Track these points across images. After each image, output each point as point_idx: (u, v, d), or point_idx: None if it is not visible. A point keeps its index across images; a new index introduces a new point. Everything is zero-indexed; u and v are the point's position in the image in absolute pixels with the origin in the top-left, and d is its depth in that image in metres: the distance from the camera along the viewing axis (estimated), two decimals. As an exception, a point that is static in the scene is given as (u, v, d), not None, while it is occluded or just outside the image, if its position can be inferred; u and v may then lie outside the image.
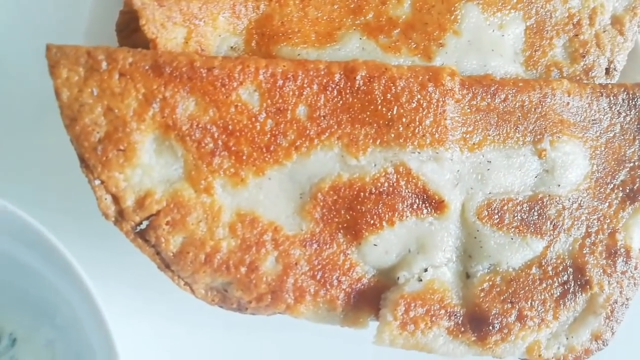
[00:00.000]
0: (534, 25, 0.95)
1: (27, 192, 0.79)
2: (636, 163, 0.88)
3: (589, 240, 0.83)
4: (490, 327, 0.78)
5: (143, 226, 0.73)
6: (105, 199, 0.71)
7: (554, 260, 0.81)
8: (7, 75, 0.92)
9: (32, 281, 0.77)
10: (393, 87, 0.78)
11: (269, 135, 0.75)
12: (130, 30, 0.92)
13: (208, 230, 0.73)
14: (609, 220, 0.85)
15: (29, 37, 0.92)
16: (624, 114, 0.89)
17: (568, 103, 0.87)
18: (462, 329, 0.78)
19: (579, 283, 0.81)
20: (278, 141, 0.75)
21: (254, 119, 0.74)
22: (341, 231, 0.78)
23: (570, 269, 0.81)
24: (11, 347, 0.78)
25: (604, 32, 0.99)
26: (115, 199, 0.71)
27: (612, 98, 0.89)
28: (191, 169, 0.73)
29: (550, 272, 0.81)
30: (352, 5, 0.89)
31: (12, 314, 0.78)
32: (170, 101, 0.71)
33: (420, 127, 0.79)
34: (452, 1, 0.91)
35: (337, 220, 0.78)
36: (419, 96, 0.79)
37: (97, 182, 0.70)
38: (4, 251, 0.76)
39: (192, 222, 0.73)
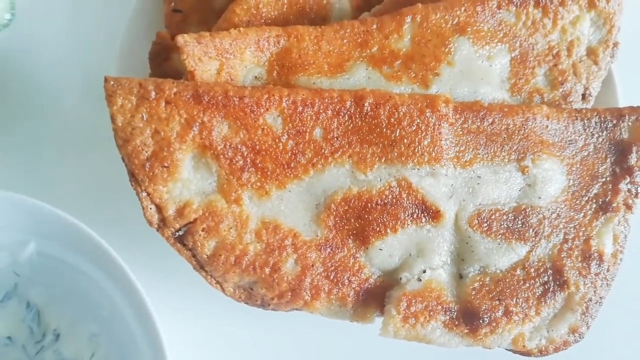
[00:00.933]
0: (518, 57, 1.08)
1: (78, 202, 0.90)
2: (608, 178, 1.01)
3: (567, 246, 0.95)
4: (481, 321, 0.90)
5: (181, 232, 0.84)
6: (150, 208, 0.82)
7: (536, 263, 0.93)
8: (62, 108, 1.04)
9: (76, 278, 0.84)
10: (396, 113, 0.91)
11: (290, 154, 0.87)
12: (161, 59, 1.04)
13: (237, 236, 0.85)
14: (584, 229, 0.97)
15: (77, 73, 1.04)
16: (596, 135, 1.02)
17: (547, 126, 0.99)
18: (457, 322, 0.90)
19: (557, 283, 0.93)
20: (297, 159, 0.87)
21: (277, 140, 0.87)
22: (351, 237, 0.89)
23: (550, 271, 0.93)
24: (55, 342, 0.84)
25: (580, 62, 1.12)
26: (159, 209, 0.83)
27: (586, 121, 1.02)
28: (223, 183, 0.85)
29: (533, 273, 0.93)
30: (359, 40, 1.01)
31: (56, 310, 0.85)
32: (208, 125, 0.83)
33: (419, 147, 0.91)
34: (446, 35, 1.04)
35: (347, 227, 0.89)
36: (418, 120, 0.91)
37: (144, 194, 0.81)
38: (56, 255, 0.84)
39: (224, 229, 0.84)
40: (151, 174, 0.81)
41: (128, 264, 0.82)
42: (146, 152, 0.81)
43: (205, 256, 0.84)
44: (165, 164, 0.82)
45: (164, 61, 1.08)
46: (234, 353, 1.02)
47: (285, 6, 1.08)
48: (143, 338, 0.80)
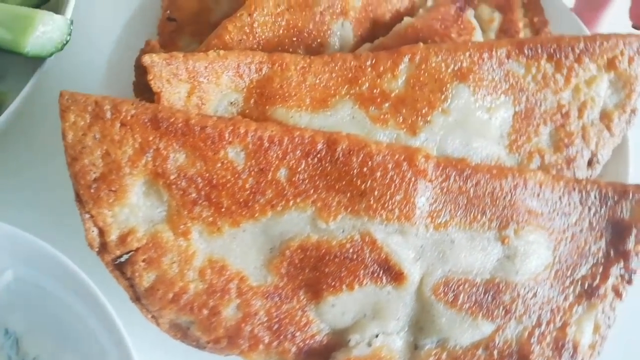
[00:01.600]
0: (523, 112, 1.00)
1: (59, 232, 0.87)
2: (600, 260, 0.92)
3: (539, 330, 0.87)
4: (429, 401, 0.83)
5: (122, 260, 0.80)
6: (93, 231, 0.79)
7: (501, 345, 0.86)
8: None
9: (57, 308, 0.81)
10: (370, 162, 0.85)
11: (248, 192, 0.82)
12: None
13: (179, 272, 0.80)
14: (562, 313, 0.89)
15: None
16: (593, 211, 0.93)
17: (538, 194, 0.91)
18: (402, 398, 0.83)
19: (521, 370, 0.85)
20: (256, 198, 0.82)
21: (237, 175, 0.82)
22: (303, 288, 0.84)
23: (515, 355, 0.86)
24: None
25: (592, 125, 1.03)
26: (101, 233, 0.79)
27: (584, 194, 0.93)
28: (173, 214, 0.81)
29: (496, 355, 0.85)
30: (349, 75, 0.95)
31: (36, 338, 0.82)
32: (163, 152, 0.79)
33: (390, 202, 0.85)
34: (445, 81, 0.97)
35: (300, 277, 0.84)
36: (392, 173, 0.85)
37: (87, 215, 0.78)
38: (35, 283, 0.81)
39: (166, 263, 0.80)
40: (96, 196, 0.77)
41: (107, 291, 0.77)
42: (94, 173, 0.78)
43: (143, 288, 0.80)
44: (113, 188, 0.78)
45: (148, 69, 1.04)
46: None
47: (282, 29, 1.03)
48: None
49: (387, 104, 0.95)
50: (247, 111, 0.91)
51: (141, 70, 1.04)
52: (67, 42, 1.01)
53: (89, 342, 0.77)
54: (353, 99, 0.94)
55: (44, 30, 0.97)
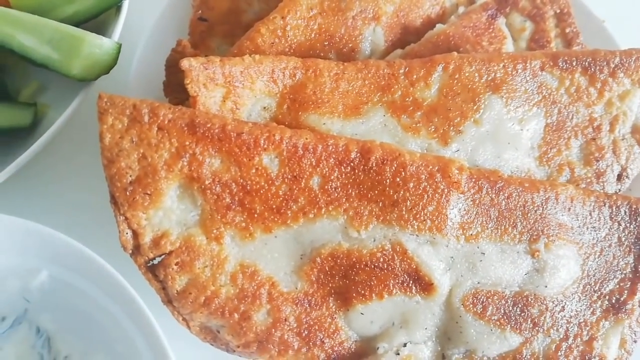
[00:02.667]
0: (554, 124, 1.00)
1: (94, 234, 0.89)
2: (627, 275, 0.92)
3: (566, 344, 0.87)
4: (456, 411, 0.83)
5: (155, 262, 0.80)
6: (127, 233, 0.79)
7: (528, 357, 0.86)
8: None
9: (90, 309, 0.81)
10: (403, 172, 0.84)
11: (281, 199, 0.82)
12: (178, 67, 1.00)
13: (212, 276, 0.81)
14: (589, 327, 0.89)
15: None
16: (623, 226, 0.93)
17: (569, 208, 0.91)
18: (429, 407, 0.83)
19: (548, 383, 0.86)
20: (289, 205, 0.82)
21: (270, 182, 0.82)
22: (333, 296, 0.84)
23: (542, 369, 0.85)
24: None
25: (623, 139, 1.02)
26: (135, 235, 0.80)
27: (614, 209, 0.93)
28: (207, 218, 0.81)
29: (523, 367, 0.85)
30: (382, 83, 0.95)
31: (68, 337, 0.82)
32: (199, 157, 0.79)
33: (423, 213, 0.85)
34: (478, 91, 0.97)
35: (331, 285, 0.84)
36: (425, 184, 0.85)
37: (122, 218, 0.78)
38: (69, 283, 0.82)
39: (198, 266, 0.80)
40: (132, 199, 0.78)
41: (145, 293, 0.78)
42: (130, 176, 0.78)
43: (175, 291, 0.80)
44: (148, 191, 0.78)
45: (181, 71, 1.04)
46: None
47: (314, 32, 1.03)
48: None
49: (419, 113, 0.95)
50: (280, 116, 0.91)
51: (172, 70, 1.04)
52: (113, 65, 0.98)
53: (122, 343, 0.78)
54: (385, 107, 0.94)
55: (92, 54, 0.94)
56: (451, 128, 0.95)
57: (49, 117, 1.05)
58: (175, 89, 1.03)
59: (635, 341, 0.91)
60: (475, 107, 0.96)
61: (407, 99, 0.95)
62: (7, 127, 1.02)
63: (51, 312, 0.82)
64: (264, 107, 0.91)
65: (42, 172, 1.10)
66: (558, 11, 1.16)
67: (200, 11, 1.11)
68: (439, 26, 1.09)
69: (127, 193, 0.78)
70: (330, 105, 0.92)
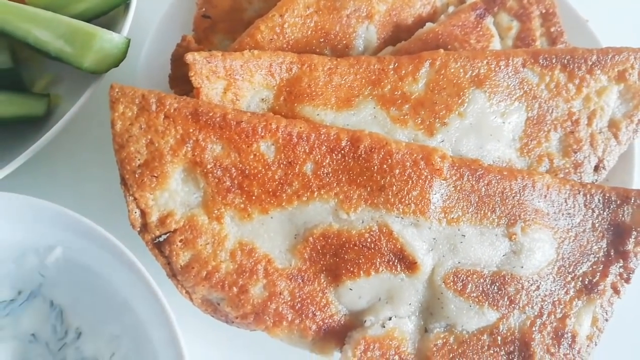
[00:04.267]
0: (535, 118, 1.08)
1: (105, 213, 0.96)
2: (600, 259, 1.00)
3: (540, 320, 0.95)
4: (436, 380, 0.91)
5: (161, 239, 0.89)
6: (135, 212, 0.88)
7: (505, 332, 0.94)
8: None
9: (100, 284, 0.88)
10: (390, 159, 0.93)
11: (277, 183, 0.90)
12: (183, 61, 1.08)
13: (213, 252, 0.89)
14: (562, 306, 0.96)
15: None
16: (597, 213, 1.01)
17: (546, 195, 0.99)
18: (411, 376, 0.92)
19: (522, 356, 0.94)
20: (284, 189, 0.91)
21: (267, 167, 0.90)
22: (324, 272, 0.92)
23: (517, 342, 0.94)
24: (76, 340, 0.88)
25: (600, 133, 1.10)
26: (143, 214, 0.88)
27: (588, 197, 1.01)
28: (208, 199, 0.89)
29: (499, 341, 0.93)
30: (372, 77, 1.03)
31: (79, 310, 0.89)
32: (202, 143, 0.87)
33: (407, 197, 0.93)
34: (462, 86, 1.05)
35: (322, 262, 0.92)
36: (410, 171, 0.93)
37: (131, 198, 0.87)
38: (82, 258, 0.88)
39: (200, 244, 0.89)
40: (140, 180, 0.86)
41: (151, 269, 0.85)
42: (139, 159, 0.86)
43: (179, 266, 0.89)
44: (155, 174, 0.86)
45: (185, 64, 1.12)
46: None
47: (310, 30, 1.11)
48: (163, 343, 0.83)
49: (407, 106, 1.03)
50: (277, 107, 0.99)
51: (177, 63, 1.13)
52: (123, 59, 1.07)
53: (129, 314, 0.85)
54: (375, 100, 1.02)
55: (103, 48, 1.03)
56: (437, 120, 1.03)
57: (61, 107, 1.13)
58: (180, 81, 1.11)
59: (606, 320, 0.98)
60: (459, 101, 1.04)
61: (396, 93, 1.03)
62: (22, 116, 1.10)
63: (64, 286, 0.89)
64: (262, 99, 0.99)
65: (56, 159, 1.19)
66: (544, 11, 1.24)
67: (204, 9, 1.19)
68: (428, 25, 1.17)
69: (136, 175, 0.86)
70: (324, 97, 1.00)
